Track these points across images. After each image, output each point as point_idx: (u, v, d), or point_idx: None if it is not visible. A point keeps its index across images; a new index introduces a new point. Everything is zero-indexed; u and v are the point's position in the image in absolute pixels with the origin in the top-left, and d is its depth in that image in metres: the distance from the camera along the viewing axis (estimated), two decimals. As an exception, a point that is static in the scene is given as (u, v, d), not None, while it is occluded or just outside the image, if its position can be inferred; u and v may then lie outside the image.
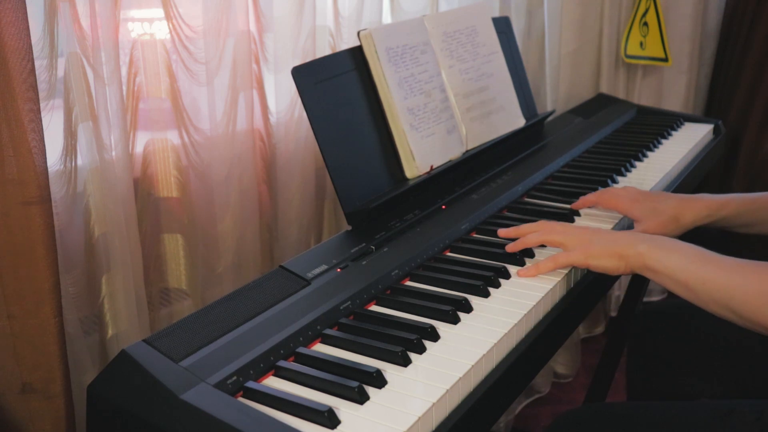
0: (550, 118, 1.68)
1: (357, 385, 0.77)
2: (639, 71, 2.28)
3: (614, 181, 1.39)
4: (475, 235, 1.17)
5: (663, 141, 1.66)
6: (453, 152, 1.34)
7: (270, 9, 1.31)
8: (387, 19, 1.59)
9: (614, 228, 1.21)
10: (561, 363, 2.23)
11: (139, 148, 1.21)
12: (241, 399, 0.78)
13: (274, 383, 0.81)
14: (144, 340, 0.81)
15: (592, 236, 1.04)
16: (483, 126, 1.42)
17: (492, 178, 1.35)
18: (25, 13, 0.91)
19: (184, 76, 1.22)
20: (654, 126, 1.73)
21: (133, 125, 1.18)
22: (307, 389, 0.80)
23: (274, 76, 1.36)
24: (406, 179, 1.25)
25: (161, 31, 1.19)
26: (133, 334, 1.17)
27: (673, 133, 1.72)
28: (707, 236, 1.26)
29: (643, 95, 2.31)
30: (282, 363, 0.83)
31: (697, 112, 2.38)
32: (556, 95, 2.02)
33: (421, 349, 0.86)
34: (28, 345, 0.98)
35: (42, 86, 0.99)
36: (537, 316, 0.97)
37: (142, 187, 1.22)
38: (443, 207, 1.22)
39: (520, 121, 1.52)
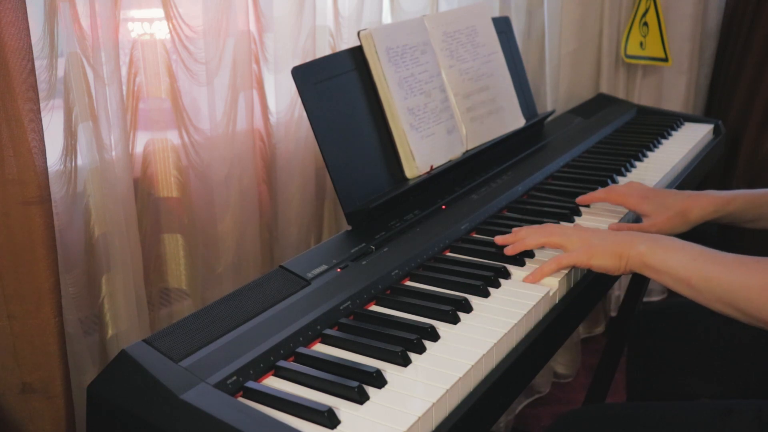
0: (550, 118, 1.68)
1: (357, 385, 0.77)
2: (639, 71, 2.28)
3: (614, 181, 1.39)
4: (475, 235, 1.17)
5: (663, 141, 1.66)
6: (453, 152, 1.34)
7: (270, 9, 1.31)
8: (387, 19, 1.59)
9: (620, 221, 1.21)
10: (561, 363, 2.23)
11: (139, 148, 1.21)
12: (241, 399, 0.78)
13: (274, 383, 0.81)
14: (144, 340, 0.81)
15: (592, 236, 1.04)
16: (483, 126, 1.42)
17: (492, 178, 1.35)
18: (25, 13, 0.91)
19: (184, 76, 1.22)
20: (654, 126, 1.73)
21: (133, 125, 1.18)
22: (307, 389, 0.80)
23: (274, 76, 1.36)
24: (406, 179, 1.25)
25: (161, 31, 1.19)
26: (133, 334, 1.17)
27: (673, 133, 1.72)
28: (705, 233, 1.27)
29: (643, 95, 2.31)
30: (282, 363, 0.83)
31: (697, 112, 2.38)
32: (556, 95, 2.02)
33: (421, 349, 0.86)
34: (28, 345, 0.98)
35: (42, 86, 0.99)
36: (537, 316, 0.97)
37: (142, 187, 1.22)
38: (443, 207, 1.22)
39: (520, 121, 1.52)
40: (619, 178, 1.41)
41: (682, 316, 1.39)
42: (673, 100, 2.29)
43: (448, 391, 0.78)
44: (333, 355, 0.85)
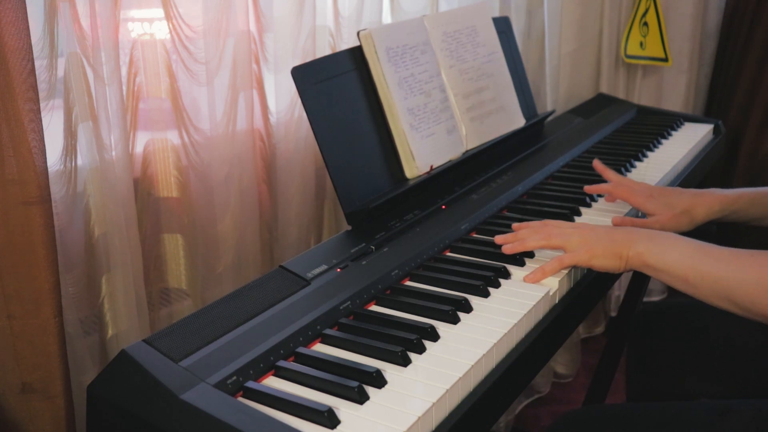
0: (550, 118, 1.68)
1: (357, 385, 0.77)
2: (639, 71, 2.28)
3: (614, 181, 1.39)
4: (475, 235, 1.17)
5: (663, 141, 1.66)
6: (453, 152, 1.34)
7: (270, 9, 1.31)
8: (387, 19, 1.59)
9: (625, 215, 1.22)
10: (561, 363, 2.23)
11: (139, 148, 1.21)
12: (241, 399, 0.78)
13: (274, 383, 0.81)
14: (144, 340, 0.81)
15: (592, 236, 1.04)
16: (483, 126, 1.42)
17: (492, 178, 1.35)
18: (25, 13, 0.91)
19: (184, 76, 1.22)
20: (654, 126, 1.73)
21: (133, 125, 1.18)
22: (307, 389, 0.80)
23: (274, 76, 1.36)
24: (406, 179, 1.25)
25: (161, 31, 1.19)
26: (133, 334, 1.17)
27: (673, 133, 1.72)
28: (704, 230, 1.27)
29: (643, 95, 2.31)
30: (282, 363, 0.83)
31: (697, 112, 2.38)
32: (556, 95, 2.02)
33: (421, 349, 0.86)
34: (28, 345, 0.98)
35: (42, 86, 0.99)
36: (537, 316, 0.97)
37: (142, 187, 1.22)
38: (443, 207, 1.22)
39: (520, 121, 1.52)
40: (619, 178, 1.41)
41: (682, 316, 1.40)
42: (673, 100, 2.29)
43: (448, 391, 0.78)
44: (333, 355, 0.85)
